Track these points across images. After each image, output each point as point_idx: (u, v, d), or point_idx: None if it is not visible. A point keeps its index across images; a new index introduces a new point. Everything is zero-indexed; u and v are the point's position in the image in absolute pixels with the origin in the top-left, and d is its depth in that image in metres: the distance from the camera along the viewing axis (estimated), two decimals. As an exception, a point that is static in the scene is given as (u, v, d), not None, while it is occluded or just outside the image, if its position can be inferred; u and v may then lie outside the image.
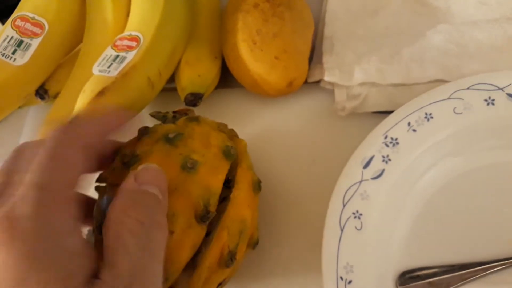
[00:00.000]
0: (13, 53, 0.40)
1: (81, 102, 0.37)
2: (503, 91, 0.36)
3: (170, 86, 0.43)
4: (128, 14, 0.42)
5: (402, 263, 0.34)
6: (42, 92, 0.43)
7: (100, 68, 0.38)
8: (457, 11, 0.44)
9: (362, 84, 0.41)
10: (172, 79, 0.42)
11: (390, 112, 0.38)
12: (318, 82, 0.43)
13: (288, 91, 0.42)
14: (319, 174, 0.35)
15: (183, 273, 0.29)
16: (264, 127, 0.38)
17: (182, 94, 0.42)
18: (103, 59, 0.39)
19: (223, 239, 0.31)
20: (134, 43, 0.39)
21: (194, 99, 0.41)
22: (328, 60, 0.43)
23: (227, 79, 0.45)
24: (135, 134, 0.32)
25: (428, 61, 0.41)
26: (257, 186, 0.34)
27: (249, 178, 0.34)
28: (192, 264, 0.30)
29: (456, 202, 0.36)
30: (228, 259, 0.31)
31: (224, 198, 0.32)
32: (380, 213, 0.35)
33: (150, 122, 0.40)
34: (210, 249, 0.30)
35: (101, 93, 0.36)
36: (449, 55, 0.41)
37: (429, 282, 0.33)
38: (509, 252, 0.33)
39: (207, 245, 0.30)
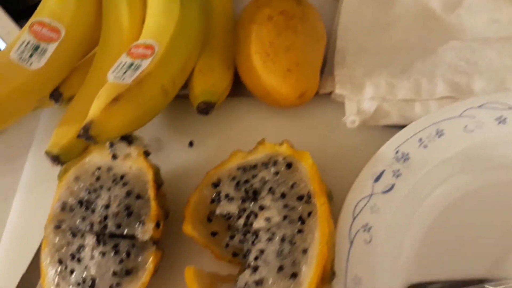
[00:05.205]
0: (30, 57, 0.40)
1: (96, 107, 0.37)
2: (515, 110, 0.37)
3: (182, 93, 0.43)
4: (143, 21, 0.43)
5: (410, 277, 0.34)
6: (56, 95, 0.43)
7: (115, 75, 0.39)
8: (469, 27, 0.44)
9: (373, 97, 0.41)
10: (184, 85, 0.43)
11: (400, 126, 0.39)
12: (329, 94, 0.43)
13: (299, 102, 0.42)
14: (328, 186, 0.35)
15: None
16: (274, 138, 0.38)
17: (195, 102, 0.42)
18: (118, 66, 0.39)
19: (325, 256, 0.31)
20: (149, 51, 0.39)
21: (207, 107, 0.41)
22: (339, 72, 0.43)
23: (239, 88, 0.45)
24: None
25: (438, 77, 0.41)
26: (330, 195, 0.34)
27: (324, 189, 0.34)
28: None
29: (465, 219, 0.36)
30: (332, 274, 0.31)
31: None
32: (390, 227, 0.35)
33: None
34: (316, 267, 0.30)
35: (115, 100, 0.37)
36: (459, 72, 0.41)
37: (436, 297, 0.33)
38: (516, 269, 0.33)
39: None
